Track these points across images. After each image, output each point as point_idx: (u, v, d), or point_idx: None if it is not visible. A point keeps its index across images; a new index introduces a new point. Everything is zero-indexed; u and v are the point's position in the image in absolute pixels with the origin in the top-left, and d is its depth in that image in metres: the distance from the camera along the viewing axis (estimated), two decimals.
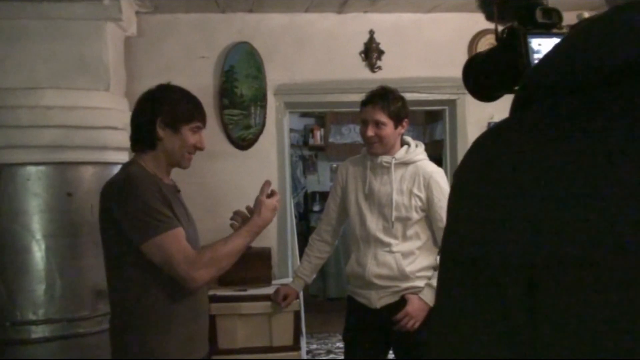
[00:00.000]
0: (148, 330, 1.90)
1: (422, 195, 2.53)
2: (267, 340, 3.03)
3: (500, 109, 0.58)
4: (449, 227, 0.50)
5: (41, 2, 2.74)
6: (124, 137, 2.04)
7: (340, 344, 4.39)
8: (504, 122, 0.48)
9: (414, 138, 2.74)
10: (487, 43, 3.53)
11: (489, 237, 0.44)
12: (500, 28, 0.93)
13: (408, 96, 2.79)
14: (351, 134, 6.86)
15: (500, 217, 0.43)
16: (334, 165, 6.90)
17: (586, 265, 0.38)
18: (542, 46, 0.87)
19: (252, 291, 3.14)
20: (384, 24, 3.68)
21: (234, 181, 3.54)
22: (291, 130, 5.13)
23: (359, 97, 2.67)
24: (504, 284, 0.42)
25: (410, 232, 2.55)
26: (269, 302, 2.96)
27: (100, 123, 2.76)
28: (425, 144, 2.73)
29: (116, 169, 2.06)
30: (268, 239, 3.53)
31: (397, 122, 2.54)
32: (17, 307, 2.60)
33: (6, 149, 2.62)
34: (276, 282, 3.28)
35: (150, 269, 1.86)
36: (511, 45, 0.89)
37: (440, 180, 2.55)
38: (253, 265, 3.24)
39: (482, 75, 0.94)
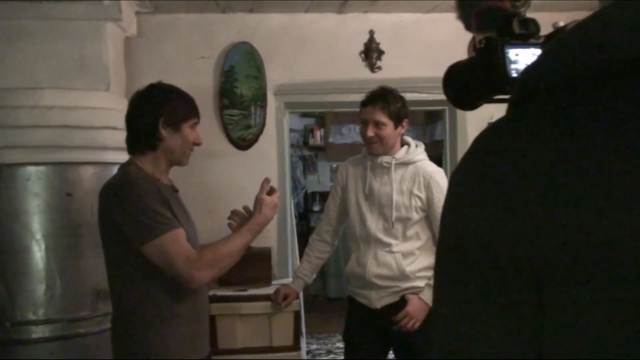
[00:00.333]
0: (150, 330, 1.90)
1: (422, 195, 2.53)
2: (267, 341, 3.03)
3: (500, 108, 0.58)
4: (448, 226, 0.49)
5: (41, 2, 2.74)
6: (124, 137, 2.04)
7: (340, 344, 4.39)
8: (501, 122, 0.48)
9: (414, 138, 2.74)
10: None
11: (493, 236, 0.43)
12: (478, 38, 0.94)
13: (408, 96, 2.79)
14: (351, 134, 6.86)
15: (503, 216, 0.43)
16: (334, 165, 6.90)
17: (590, 263, 0.38)
18: (519, 56, 0.88)
19: (252, 291, 3.14)
20: (384, 24, 3.68)
21: (234, 181, 3.53)
22: (291, 130, 5.13)
23: (359, 97, 2.67)
24: (510, 282, 0.42)
25: (410, 232, 2.55)
26: (269, 302, 2.96)
27: (100, 123, 2.76)
28: (425, 144, 2.73)
29: (116, 169, 2.06)
30: (268, 239, 3.53)
31: (397, 122, 2.54)
32: (17, 307, 2.60)
33: (6, 149, 2.62)
34: (276, 282, 3.28)
35: (152, 269, 1.86)
36: (489, 56, 0.90)
37: (441, 181, 2.55)
38: (253, 265, 3.24)
39: (461, 85, 0.96)
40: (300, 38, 3.66)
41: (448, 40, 3.67)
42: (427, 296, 2.49)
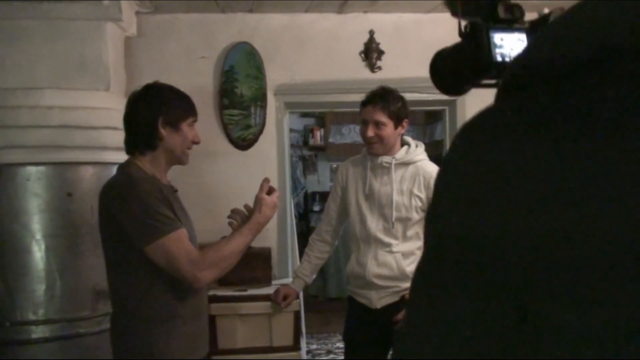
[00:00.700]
0: (150, 329, 1.90)
1: (423, 195, 2.53)
2: (267, 341, 3.03)
3: (490, 94, 0.58)
4: (436, 223, 0.49)
5: (41, 2, 2.74)
6: (124, 137, 2.04)
7: (340, 344, 4.39)
8: (489, 111, 0.47)
9: (414, 138, 2.74)
10: None
11: (479, 235, 0.43)
12: (464, 24, 0.95)
13: (408, 96, 2.79)
14: (351, 134, 6.85)
15: (490, 215, 0.42)
16: (334, 166, 6.90)
17: (577, 265, 0.38)
18: (504, 41, 0.89)
19: (252, 291, 3.14)
20: (384, 24, 3.68)
21: (234, 181, 3.53)
22: (291, 130, 5.12)
23: (359, 97, 2.67)
24: (496, 283, 0.42)
25: (410, 232, 2.55)
26: (269, 302, 2.96)
27: (100, 123, 2.76)
28: (425, 144, 2.73)
29: (116, 169, 2.06)
30: (268, 239, 3.53)
31: (397, 122, 2.54)
32: (17, 307, 2.60)
33: (6, 149, 2.62)
34: (276, 282, 3.28)
35: (152, 269, 1.87)
36: (474, 40, 0.91)
37: None
38: (253, 265, 3.24)
39: (447, 70, 0.97)
40: (300, 38, 3.66)
41: (448, 40, 3.65)
42: None
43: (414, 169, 2.57)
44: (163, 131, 1.96)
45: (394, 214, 2.53)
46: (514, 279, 0.40)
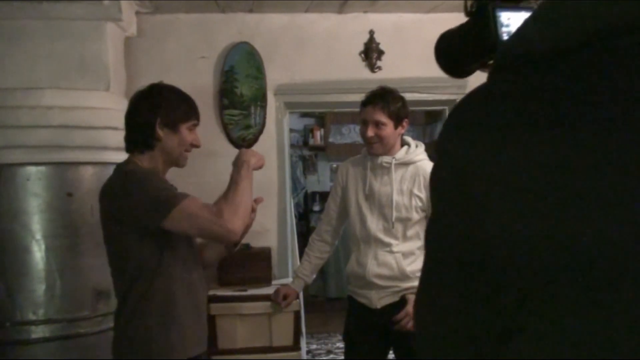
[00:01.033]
0: (150, 326, 1.91)
1: (423, 195, 2.53)
2: (267, 341, 3.03)
3: None
4: (436, 224, 0.48)
5: (41, 2, 2.74)
6: (124, 136, 2.05)
7: (340, 344, 4.39)
8: (480, 91, 0.46)
9: (414, 138, 2.74)
10: None
11: (479, 235, 0.42)
12: (470, 2, 0.94)
13: (408, 96, 2.79)
14: (351, 134, 6.85)
15: (490, 215, 0.42)
16: (334, 166, 6.90)
17: (577, 265, 0.37)
18: (511, 20, 0.89)
19: (252, 291, 3.14)
20: (384, 24, 3.68)
21: None
22: (291, 130, 5.12)
23: (359, 97, 2.67)
24: (494, 283, 0.41)
25: (410, 232, 2.55)
26: (269, 302, 2.96)
27: (100, 123, 2.76)
28: (425, 144, 2.73)
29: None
30: (268, 239, 3.53)
31: (397, 122, 2.54)
32: (17, 307, 2.59)
33: (6, 149, 2.62)
34: (276, 282, 3.28)
35: (154, 267, 1.89)
36: (480, 20, 0.90)
37: None
38: (253, 265, 3.24)
39: (453, 50, 0.96)
40: (300, 38, 3.66)
41: None
42: None
43: (414, 169, 2.57)
44: (161, 132, 1.96)
45: (394, 214, 2.53)
46: (515, 279, 0.40)
